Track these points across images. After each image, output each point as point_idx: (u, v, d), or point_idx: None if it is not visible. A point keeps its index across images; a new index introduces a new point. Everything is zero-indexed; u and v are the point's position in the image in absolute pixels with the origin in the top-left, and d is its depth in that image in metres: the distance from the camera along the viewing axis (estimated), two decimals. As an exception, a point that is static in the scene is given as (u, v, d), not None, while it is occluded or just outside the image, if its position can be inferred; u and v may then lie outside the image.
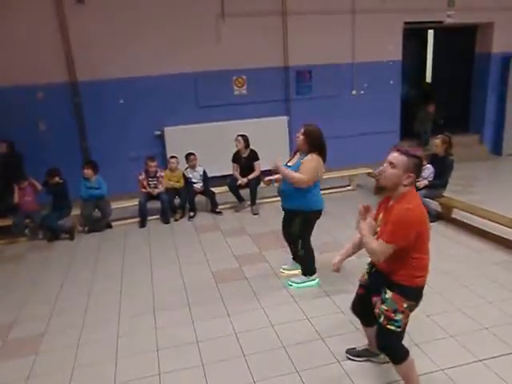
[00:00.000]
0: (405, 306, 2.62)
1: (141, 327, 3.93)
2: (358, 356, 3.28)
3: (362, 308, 2.97)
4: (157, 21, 7.43)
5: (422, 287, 2.68)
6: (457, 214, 5.90)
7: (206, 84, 7.89)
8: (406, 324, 2.70)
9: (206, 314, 4.05)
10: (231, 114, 8.00)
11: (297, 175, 4.00)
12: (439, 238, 5.49)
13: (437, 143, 6.11)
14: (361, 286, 2.98)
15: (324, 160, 4.14)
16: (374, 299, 2.76)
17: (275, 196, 7.30)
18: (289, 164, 4.25)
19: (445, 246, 5.21)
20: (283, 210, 4.40)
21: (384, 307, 2.65)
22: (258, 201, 6.99)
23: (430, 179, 6.03)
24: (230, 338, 3.67)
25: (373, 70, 8.64)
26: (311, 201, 4.14)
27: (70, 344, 3.75)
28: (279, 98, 8.36)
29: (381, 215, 2.73)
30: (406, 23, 8.61)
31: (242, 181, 6.79)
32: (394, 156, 2.55)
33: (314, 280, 4.47)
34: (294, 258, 4.69)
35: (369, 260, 2.87)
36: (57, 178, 6.25)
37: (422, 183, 6.00)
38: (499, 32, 9.08)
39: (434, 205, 6.10)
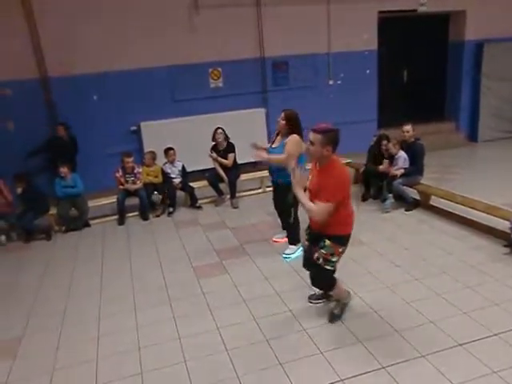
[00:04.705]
0: (340, 250, 3.33)
1: (121, 327, 3.86)
2: (318, 299, 3.91)
3: (310, 264, 3.55)
4: (129, 14, 7.30)
5: (350, 234, 3.37)
6: (435, 201, 5.96)
7: (182, 77, 7.80)
8: (337, 262, 3.40)
9: (187, 310, 4.01)
10: (208, 107, 7.93)
11: (281, 156, 4.54)
12: (418, 225, 5.55)
13: (407, 129, 6.10)
14: (305, 250, 3.66)
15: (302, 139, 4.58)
16: (314, 249, 3.39)
17: (255, 189, 7.35)
18: (273, 146, 4.79)
19: (423, 233, 5.26)
20: (274, 185, 4.98)
21: (323, 251, 3.30)
22: (237, 194, 6.96)
23: (406, 166, 6.07)
24: (213, 333, 3.63)
25: (349, 59, 8.67)
26: None
27: (49, 347, 3.66)
28: (256, 89, 8.32)
29: (311, 175, 3.33)
30: (380, 12, 8.64)
31: (212, 154, 6.83)
32: (312, 135, 3.13)
33: (300, 248, 4.78)
34: (283, 228, 5.23)
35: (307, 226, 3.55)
36: (19, 189, 6.00)
37: (399, 171, 6.05)
38: (471, 20, 9.18)
39: (412, 193, 6.15)
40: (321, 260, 3.32)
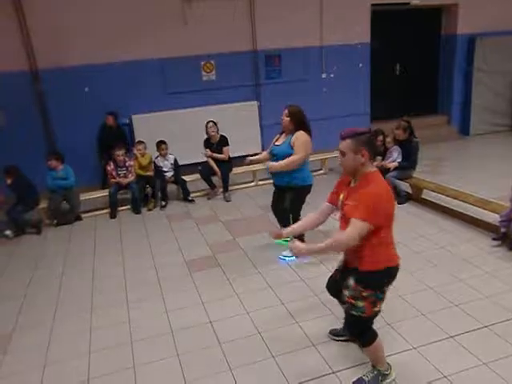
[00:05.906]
0: (365, 294, 2.55)
1: (114, 320, 3.85)
2: (340, 335, 3.31)
3: (337, 289, 2.92)
4: (121, 5, 7.19)
5: (382, 271, 2.59)
6: (427, 195, 5.99)
7: (174, 70, 7.72)
8: (373, 311, 2.62)
9: (180, 304, 4.00)
10: (200, 99, 7.87)
11: (293, 158, 4.26)
12: (410, 218, 5.58)
13: (399, 133, 6.10)
14: (337, 269, 2.97)
15: (310, 136, 4.39)
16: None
17: (247, 182, 7.34)
18: (276, 143, 4.54)
19: (415, 227, 5.28)
20: (275, 186, 4.70)
21: (346, 293, 2.66)
22: (230, 187, 6.94)
23: (399, 160, 6.09)
24: (205, 326, 3.64)
25: (342, 52, 8.63)
26: (302, 176, 4.42)
27: (41, 341, 3.64)
28: (249, 82, 8.26)
29: (343, 195, 2.70)
30: (373, 5, 8.61)
31: (206, 152, 6.80)
32: (341, 144, 2.58)
33: None
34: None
35: None
36: (8, 181, 5.89)
37: (392, 164, 6.06)
38: (464, 13, 9.17)
39: (404, 186, 6.17)
40: (346, 304, 2.70)
